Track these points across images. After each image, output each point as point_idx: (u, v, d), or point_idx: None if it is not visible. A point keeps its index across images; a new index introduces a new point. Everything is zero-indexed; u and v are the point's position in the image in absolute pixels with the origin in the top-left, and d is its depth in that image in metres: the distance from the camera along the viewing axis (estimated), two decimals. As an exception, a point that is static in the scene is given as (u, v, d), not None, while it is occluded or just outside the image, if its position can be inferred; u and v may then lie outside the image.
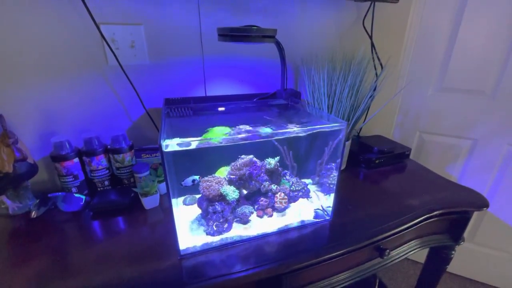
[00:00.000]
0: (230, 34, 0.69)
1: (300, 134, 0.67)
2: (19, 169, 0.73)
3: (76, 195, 0.79)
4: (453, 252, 0.96)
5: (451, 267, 1.54)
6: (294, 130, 0.67)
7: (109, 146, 0.84)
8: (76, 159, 0.81)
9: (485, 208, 0.84)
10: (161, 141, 0.52)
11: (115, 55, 0.83)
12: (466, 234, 1.43)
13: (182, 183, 0.75)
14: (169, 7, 0.86)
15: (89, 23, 0.78)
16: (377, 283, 1.12)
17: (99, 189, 0.86)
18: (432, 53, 1.21)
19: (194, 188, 0.74)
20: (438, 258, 0.99)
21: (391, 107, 1.34)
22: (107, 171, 0.86)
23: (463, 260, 1.49)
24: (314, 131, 0.69)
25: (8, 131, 0.72)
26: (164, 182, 0.84)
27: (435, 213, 0.81)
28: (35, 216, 0.76)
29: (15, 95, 0.78)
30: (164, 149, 0.52)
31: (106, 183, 0.87)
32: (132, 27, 0.84)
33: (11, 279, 0.56)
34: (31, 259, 0.61)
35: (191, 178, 0.74)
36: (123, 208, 0.79)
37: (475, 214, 1.34)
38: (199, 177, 0.72)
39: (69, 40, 0.79)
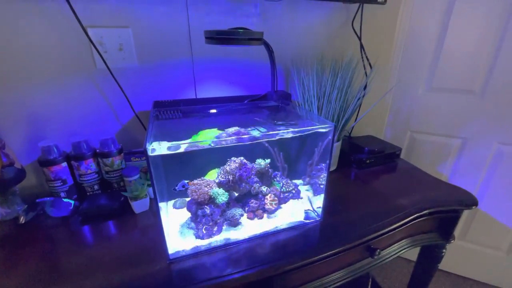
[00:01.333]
0: (217, 37, 0.69)
1: (289, 136, 0.67)
2: (6, 174, 0.72)
3: (65, 200, 0.79)
4: (444, 250, 0.97)
5: (444, 265, 1.55)
6: (283, 132, 0.67)
7: (98, 150, 0.83)
8: (64, 164, 0.80)
9: (474, 207, 0.85)
10: (147, 144, 0.52)
11: (103, 59, 0.82)
12: (457, 232, 1.45)
13: (176, 188, 0.74)
14: (157, 9, 0.85)
15: (76, 26, 0.77)
16: (370, 283, 1.13)
17: (88, 193, 0.85)
18: (422, 53, 1.22)
19: (184, 192, 0.74)
20: (430, 257, 1.00)
21: (382, 107, 1.35)
22: (96, 175, 0.85)
23: (455, 258, 1.51)
24: (303, 133, 0.69)
25: (-6, 136, 0.71)
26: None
27: (424, 212, 0.81)
28: (23, 222, 0.75)
29: (2, 99, 0.77)
30: (150, 153, 0.52)
31: (96, 187, 0.86)
32: (120, 30, 0.83)
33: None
34: (19, 265, 0.61)
35: (181, 183, 0.73)
36: (113, 213, 0.78)
37: (466, 212, 1.35)
38: (188, 182, 0.71)
39: (56, 43, 0.78)
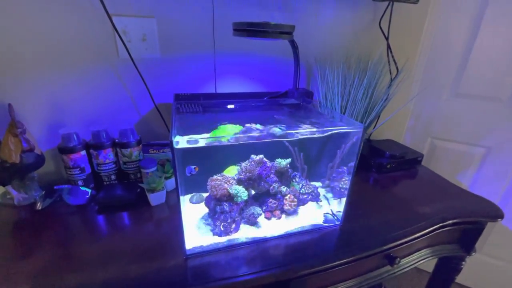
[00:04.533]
0: (247, 29, 0.66)
1: (315, 136, 0.65)
2: (26, 159, 0.72)
3: (82, 188, 0.79)
4: (463, 262, 0.94)
5: (458, 277, 1.50)
6: (308, 131, 0.64)
7: (116, 140, 0.83)
8: (83, 152, 0.80)
9: (499, 219, 0.82)
10: (172, 137, 0.50)
11: (126, 48, 0.81)
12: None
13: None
14: (182, 0, 0.84)
15: (101, 14, 0.76)
16: (382, 291, 1.10)
17: (105, 183, 0.85)
18: (448, 58, 1.18)
19: (201, 186, 0.72)
20: (448, 268, 0.97)
21: (403, 111, 1.31)
22: (114, 165, 0.85)
23: (471, 270, 1.46)
24: (329, 133, 0.66)
25: (16, 121, 0.71)
26: (171, 179, 0.83)
27: (448, 222, 0.78)
28: (40, 208, 0.75)
29: (25, 86, 0.77)
30: (175, 146, 0.51)
31: (113, 177, 0.86)
32: (145, 19, 0.82)
33: (14, 270, 0.55)
34: (35, 251, 0.61)
35: (187, 168, 0.69)
36: (129, 204, 0.77)
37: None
38: (195, 167, 0.68)
39: (80, 31, 0.78)
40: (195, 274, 0.57)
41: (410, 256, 0.79)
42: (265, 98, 0.96)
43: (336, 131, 0.66)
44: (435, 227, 0.76)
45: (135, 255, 0.60)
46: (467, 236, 0.87)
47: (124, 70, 0.85)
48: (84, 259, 0.59)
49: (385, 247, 0.68)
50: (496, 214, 0.83)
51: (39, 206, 0.75)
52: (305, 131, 0.65)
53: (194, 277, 0.56)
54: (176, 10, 0.84)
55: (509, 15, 1.03)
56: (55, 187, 0.77)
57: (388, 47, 1.14)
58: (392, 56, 1.16)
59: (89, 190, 0.79)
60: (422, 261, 0.82)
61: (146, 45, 0.85)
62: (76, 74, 0.81)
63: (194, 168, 0.65)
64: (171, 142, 0.49)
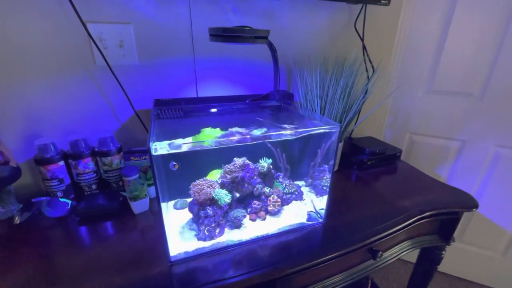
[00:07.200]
0: (222, 35, 0.67)
1: (294, 137, 0.66)
2: (1, 173, 0.70)
3: (62, 199, 0.77)
4: (443, 252, 0.97)
5: (440, 266, 1.56)
6: (287, 132, 0.66)
7: (96, 149, 0.81)
8: (62, 162, 0.78)
9: (474, 209, 0.86)
10: (150, 144, 0.50)
11: (103, 55, 0.80)
12: (455, 233, 1.45)
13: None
14: (159, 5, 0.84)
15: (75, 21, 0.75)
16: (369, 284, 1.13)
17: (86, 193, 0.83)
18: (422, 56, 1.23)
19: (185, 192, 0.72)
20: (429, 259, 1.00)
21: (382, 108, 1.36)
22: (95, 174, 0.83)
23: (452, 259, 1.52)
24: (308, 133, 0.68)
25: (-12, 133, 0.68)
26: (154, 186, 0.83)
27: (426, 214, 0.81)
28: (18, 222, 0.72)
29: (-3, 96, 0.75)
30: (153, 152, 0.50)
31: (94, 187, 0.84)
32: (121, 26, 0.81)
33: (-9, 289, 0.54)
34: (14, 267, 0.59)
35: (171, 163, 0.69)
36: (111, 213, 0.76)
37: (464, 214, 1.36)
38: (175, 164, 0.67)
39: (54, 38, 0.76)
40: (181, 280, 0.57)
41: (392, 249, 0.82)
42: (247, 101, 0.97)
43: (315, 132, 0.68)
44: (414, 219, 0.78)
45: (119, 265, 0.59)
46: (445, 226, 0.91)
47: (102, 77, 0.84)
48: (66, 273, 0.57)
49: (367, 242, 0.70)
50: (471, 204, 0.87)
51: (17, 220, 0.72)
52: (285, 132, 0.66)
53: (179, 283, 0.56)
54: (152, 16, 0.84)
55: (476, 13, 1.09)
56: (33, 200, 0.75)
57: (364, 47, 1.17)
58: (368, 56, 1.20)
59: (69, 201, 0.77)
60: (403, 253, 0.85)
61: (124, 51, 0.84)
62: (52, 83, 0.79)
63: (174, 165, 0.65)
64: (149, 148, 0.49)
